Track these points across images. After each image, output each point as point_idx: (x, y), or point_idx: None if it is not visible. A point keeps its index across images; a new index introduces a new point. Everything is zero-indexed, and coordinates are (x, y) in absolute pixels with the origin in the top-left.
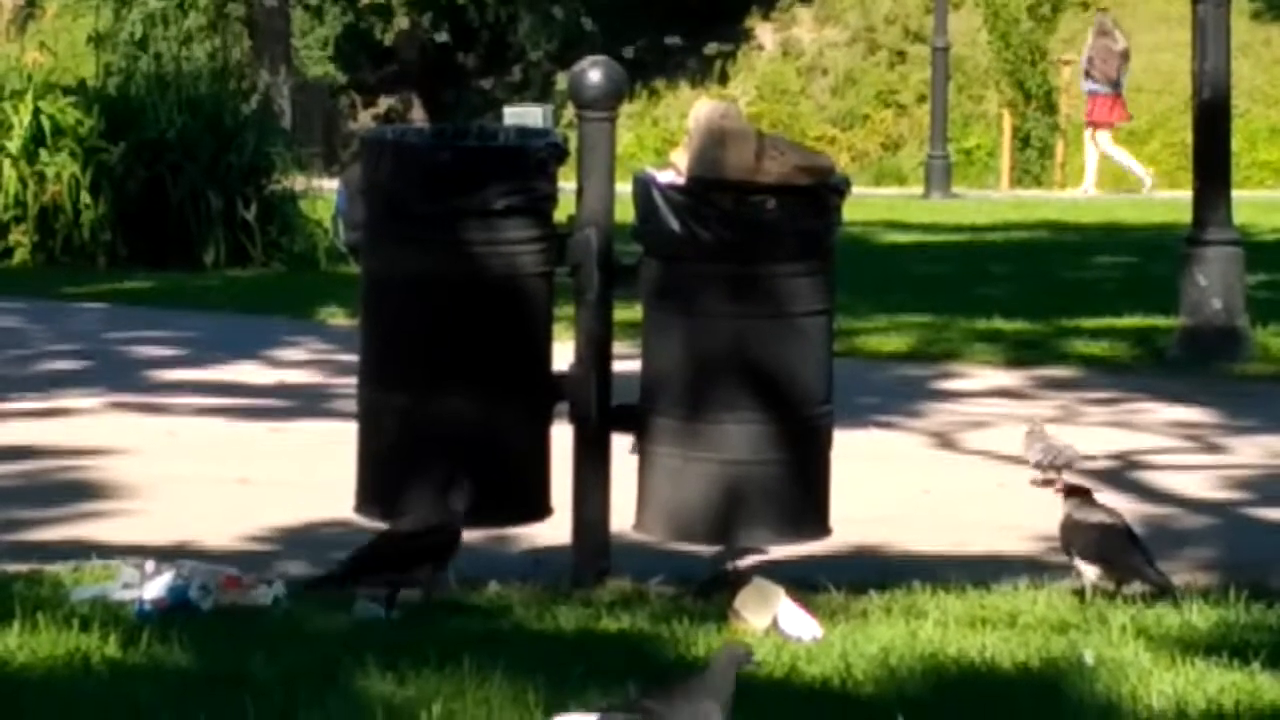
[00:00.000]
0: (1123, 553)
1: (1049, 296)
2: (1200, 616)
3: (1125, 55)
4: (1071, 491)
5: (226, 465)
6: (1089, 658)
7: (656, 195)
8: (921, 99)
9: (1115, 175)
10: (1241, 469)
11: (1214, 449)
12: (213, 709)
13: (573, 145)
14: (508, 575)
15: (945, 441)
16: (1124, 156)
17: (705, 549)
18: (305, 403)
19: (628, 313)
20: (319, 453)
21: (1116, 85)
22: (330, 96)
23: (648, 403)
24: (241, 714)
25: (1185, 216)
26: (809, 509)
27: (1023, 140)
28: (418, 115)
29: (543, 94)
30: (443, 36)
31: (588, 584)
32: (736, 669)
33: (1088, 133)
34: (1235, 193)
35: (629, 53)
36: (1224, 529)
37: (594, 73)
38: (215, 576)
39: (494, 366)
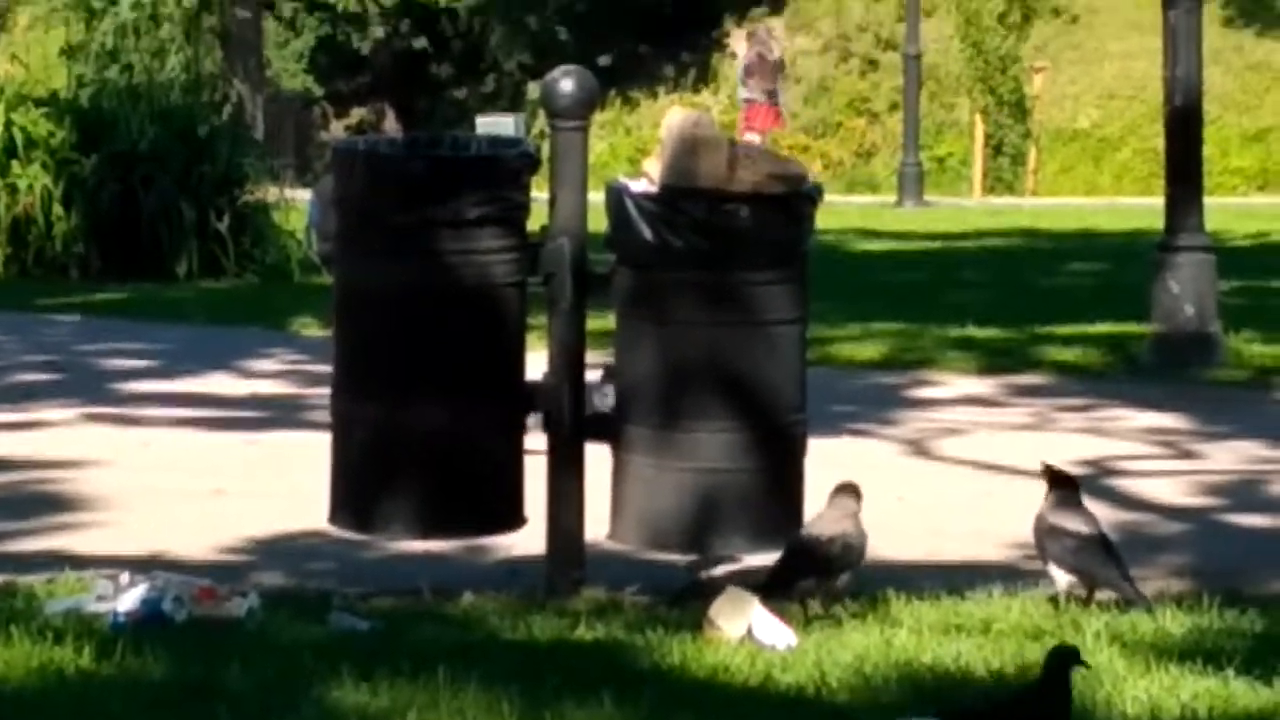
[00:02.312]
0: (1098, 564)
1: (1022, 303)
2: (1174, 623)
3: (780, 66)
4: (1055, 481)
5: (200, 476)
6: None
7: (629, 204)
8: (894, 107)
9: None
10: (1215, 475)
11: (1187, 455)
12: None
13: (545, 154)
14: (482, 585)
15: (919, 449)
16: None
17: (680, 558)
18: (279, 413)
19: (601, 322)
20: (292, 463)
21: (772, 95)
22: (303, 107)
23: (621, 412)
24: None
25: (1157, 223)
26: (783, 517)
27: (995, 148)
28: (391, 125)
29: (515, 103)
30: (420, 43)
31: (562, 594)
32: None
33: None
34: (1207, 199)
35: (602, 61)
36: (1197, 535)
37: (566, 82)
38: (189, 588)
39: (467, 376)
